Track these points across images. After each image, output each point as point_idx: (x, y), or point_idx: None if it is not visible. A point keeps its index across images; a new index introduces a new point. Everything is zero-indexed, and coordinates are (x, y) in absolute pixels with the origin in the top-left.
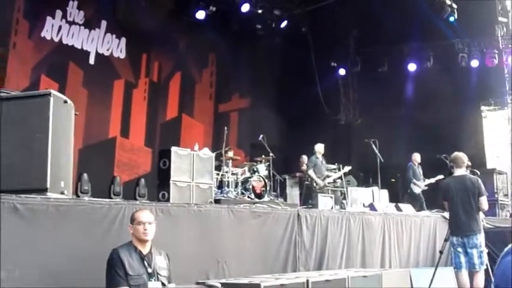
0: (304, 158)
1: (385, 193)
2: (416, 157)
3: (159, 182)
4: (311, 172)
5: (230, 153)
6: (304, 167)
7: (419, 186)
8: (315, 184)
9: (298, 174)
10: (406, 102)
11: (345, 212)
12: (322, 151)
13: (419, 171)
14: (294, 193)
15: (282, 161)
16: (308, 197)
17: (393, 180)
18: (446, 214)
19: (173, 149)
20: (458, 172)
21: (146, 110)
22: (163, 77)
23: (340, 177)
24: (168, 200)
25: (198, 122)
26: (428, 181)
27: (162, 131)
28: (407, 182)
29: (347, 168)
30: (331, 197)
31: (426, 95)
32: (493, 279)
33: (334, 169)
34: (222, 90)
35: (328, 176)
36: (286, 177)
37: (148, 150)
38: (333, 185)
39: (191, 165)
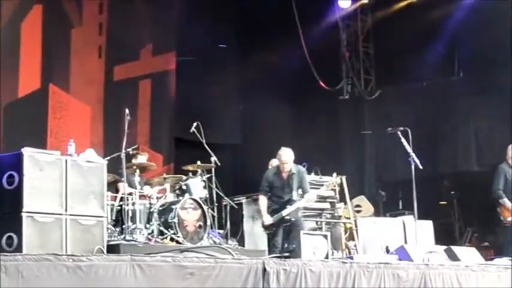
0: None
1: (428, 227)
2: None
3: None
4: (261, 199)
5: (139, 158)
6: None
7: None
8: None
9: None
10: (465, 58)
11: (352, 263)
12: (287, 159)
13: None
14: (257, 231)
15: (236, 172)
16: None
17: (444, 203)
18: None
19: (26, 151)
20: None
21: None
22: (7, 14)
23: (333, 201)
24: (18, 249)
25: (77, 100)
26: None
27: (6, 119)
28: (495, 200)
29: (333, 179)
30: (325, 237)
31: (501, 40)
32: None
33: (319, 184)
34: (122, 38)
35: (288, 203)
36: (243, 201)
37: None
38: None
39: (62, 182)
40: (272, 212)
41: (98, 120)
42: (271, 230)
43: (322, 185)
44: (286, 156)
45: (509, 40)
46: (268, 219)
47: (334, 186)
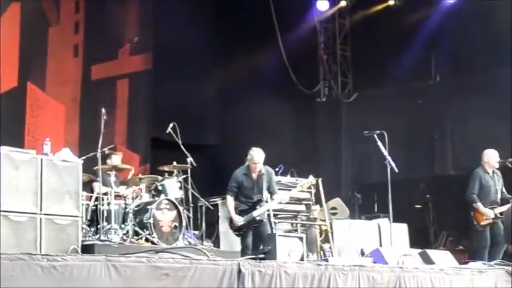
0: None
1: (403, 230)
2: (491, 157)
3: None
4: (229, 199)
5: (113, 158)
6: None
7: (485, 214)
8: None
9: None
10: (440, 62)
11: (327, 265)
12: (259, 159)
13: (495, 183)
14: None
15: (212, 173)
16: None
17: (419, 206)
18: None
19: (2, 150)
20: None
21: None
22: None
23: (309, 203)
24: None
25: (52, 99)
26: (502, 208)
27: None
28: (469, 205)
29: (307, 181)
30: (301, 239)
31: (477, 44)
32: None
33: (295, 186)
34: (99, 38)
35: (258, 203)
36: (219, 202)
37: None
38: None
39: (37, 182)
40: (240, 212)
41: (73, 119)
42: (241, 232)
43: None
44: (258, 156)
45: (485, 43)
46: (240, 220)
47: (310, 187)
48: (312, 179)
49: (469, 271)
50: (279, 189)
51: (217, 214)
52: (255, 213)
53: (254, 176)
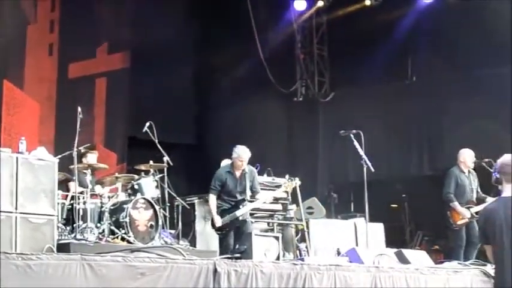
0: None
1: (378, 230)
2: (467, 157)
3: None
4: (212, 198)
5: (90, 157)
6: None
7: (461, 214)
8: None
9: None
10: (417, 63)
11: (303, 264)
12: (246, 156)
13: (471, 183)
14: (209, 231)
15: (188, 172)
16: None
17: (394, 205)
18: (491, 267)
19: None
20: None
21: None
22: None
23: (284, 203)
24: None
25: (31, 98)
26: (478, 208)
27: None
28: (445, 204)
29: (293, 182)
30: (277, 238)
31: (454, 45)
32: None
33: (272, 185)
34: (76, 37)
35: (241, 202)
36: (196, 201)
37: None
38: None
39: (13, 180)
40: (222, 212)
41: (49, 118)
42: (223, 231)
43: (278, 186)
44: (244, 153)
45: (463, 44)
46: (219, 222)
47: (294, 188)
48: (297, 181)
49: (445, 271)
50: None
51: (194, 213)
52: (238, 213)
53: (238, 174)
